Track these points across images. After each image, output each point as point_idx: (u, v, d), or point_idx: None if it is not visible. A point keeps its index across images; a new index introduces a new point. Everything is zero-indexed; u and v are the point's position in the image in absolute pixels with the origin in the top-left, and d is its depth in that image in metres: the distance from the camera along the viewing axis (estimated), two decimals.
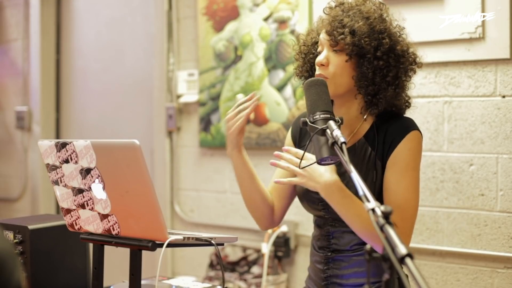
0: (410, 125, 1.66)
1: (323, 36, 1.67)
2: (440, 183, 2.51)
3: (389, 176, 1.62)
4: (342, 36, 1.61)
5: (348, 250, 1.70)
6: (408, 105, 1.74)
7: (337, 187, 1.56)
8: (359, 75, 1.63)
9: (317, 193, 1.71)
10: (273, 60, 2.99)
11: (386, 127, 1.66)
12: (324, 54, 1.65)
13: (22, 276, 0.97)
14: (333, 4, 1.72)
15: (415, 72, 1.71)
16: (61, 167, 1.54)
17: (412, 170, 1.64)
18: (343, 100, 1.68)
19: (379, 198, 1.62)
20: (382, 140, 1.65)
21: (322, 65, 1.65)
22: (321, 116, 1.43)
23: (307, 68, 1.75)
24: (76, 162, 1.50)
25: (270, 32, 2.99)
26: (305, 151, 1.67)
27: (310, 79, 1.56)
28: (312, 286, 1.79)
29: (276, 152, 1.64)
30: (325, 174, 1.56)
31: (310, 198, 1.74)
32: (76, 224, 1.59)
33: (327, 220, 1.72)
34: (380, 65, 1.62)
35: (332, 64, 1.64)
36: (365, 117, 1.69)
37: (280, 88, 2.96)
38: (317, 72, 1.66)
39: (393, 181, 1.62)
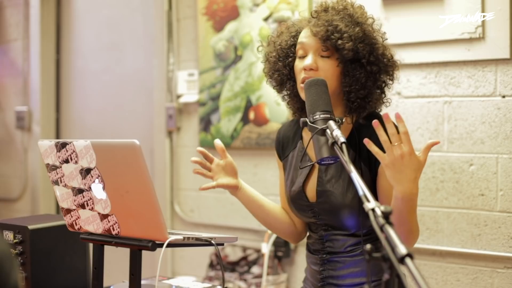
0: None
1: (311, 41, 1.65)
2: (440, 183, 2.51)
3: (385, 182, 1.62)
4: (340, 41, 1.60)
5: (343, 252, 1.70)
6: (382, 101, 1.73)
7: (411, 198, 1.50)
8: (349, 79, 1.62)
9: (307, 200, 1.71)
10: None
11: (370, 134, 1.61)
12: (312, 59, 1.64)
13: (19, 277, 0.97)
14: (319, 9, 1.70)
15: (394, 74, 1.71)
16: (61, 167, 1.54)
17: None
18: None
19: None
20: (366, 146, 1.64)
21: (312, 69, 1.64)
22: (321, 116, 1.43)
23: (286, 71, 1.73)
24: (76, 162, 1.50)
25: (270, 32, 2.99)
26: (305, 151, 1.66)
27: (310, 79, 1.55)
28: (309, 287, 1.79)
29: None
30: (409, 178, 1.46)
31: (300, 206, 1.74)
32: (76, 224, 1.59)
33: (319, 225, 1.73)
34: (374, 70, 1.62)
35: (321, 69, 1.63)
36: (344, 119, 1.68)
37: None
38: (304, 75, 1.64)
39: (390, 186, 1.62)
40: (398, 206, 1.49)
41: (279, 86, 1.78)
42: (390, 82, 1.70)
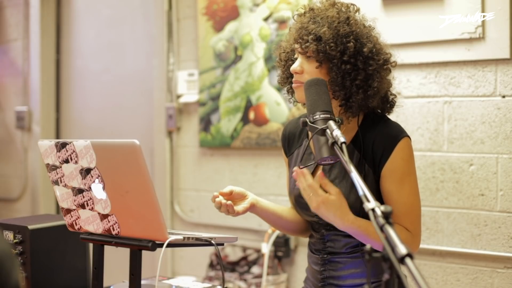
0: (398, 133, 1.65)
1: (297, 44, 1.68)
2: (440, 183, 2.51)
3: (388, 186, 1.63)
4: (307, 44, 1.62)
5: (344, 253, 1.70)
6: (392, 104, 1.73)
7: (355, 227, 1.54)
8: (330, 80, 1.63)
9: None
10: (273, 60, 2.98)
11: (374, 136, 1.65)
12: (298, 62, 1.66)
13: (20, 276, 0.97)
14: (302, 11, 1.72)
15: (390, 72, 1.69)
16: (61, 167, 1.54)
17: (409, 176, 1.65)
18: None
19: None
20: (370, 147, 1.64)
21: (297, 72, 1.66)
22: (321, 116, 1.43)
23: (287, 75, 1.75)
24: (76, 162, 1.50)
25: (270, 32, 2.99)
26: (304, 151, 1.66)
27: (310, 79, 1.56)
28: (310, 287, 1.79)
29: (298, 170, 1.54)
30: (339, 215, 1.52)
31: (303, 205, 1.74)
32: (76, 224, 1.59)
33: (321, 224, 1.73)
34: (348, 69, 1.60)
35: (306, 71, 1.65)
36: (347, 120, 1.68)
37: (280, 88, 2.96)
38: (294, 79, 1.67)
39: (394, 191, 1.63)
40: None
41: (286, 89, 1.80)
42: (379, 80, 1.63)
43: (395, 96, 1.75)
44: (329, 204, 1.50)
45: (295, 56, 1.70)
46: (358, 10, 1.70)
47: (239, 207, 1.72)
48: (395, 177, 1.63)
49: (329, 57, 1.60)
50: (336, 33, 1.61)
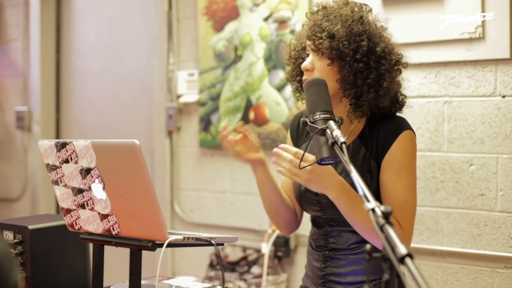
0: (402, 125, 1.66)
1: (309, 42, 1.67)
2: (440, 183, 2.51)
3: (385, 177, 1.63)
4: (320, 40, 1.62)
5: (346, 249, 1.70)
6: (401, 105, 1.73)
7: (344, 189, 1.55)
8: (342, 78, 1.63)
9: (315, 194, 1.71)
10: (273, 60, 2.99)
11: (378, 128, 1.66)
12: (309, 59, 1.66)
13: (19, 277, 0.97)
14: (315, 9, 1.72)
15: (400, 72, 1.69)
16: (61, 167, 1.54)
17: (407, 170, 1.64)
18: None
19: (376, 198, 1.62)
20: (375, 140, 1.65)
21: (308, 70, 1.66)
22: (321, 116, 1.43)
23: (297, 72, 1.75)
24: (76, 162, 1.50)
25: (270, 32, 2.99)
26: (305, 151, 1.66)
27: (310, 79, 1.56)
28: (309, 284, 1.79)
29: (275, 150, 1.56)
30: (330, 177, 1.53)
31: (308, 199, 1.74)
32: (76, 224, 1.59)
33: (325, 220, 1.73)
34: (360, 68, 1.61)
35: (316, 68, 1.65)
36: (357, 119, 1.68)
37: (280, 88, 2.96)
38: (304, 77, 1.67)
39: (390, 182, 1.62)
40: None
41: (294, 87, 1.80)
42: (390, 80, 1.64)
43: (405, 96, 1.74)
44: (316, 170, 1.50)
45: (307, 54, 1.70)
46: (370, 10, 1.70)
47: (250, 155, 1.69)
48: (393, 168, 1.62)
49: (341, 55, 1.61)
50: (350, 31, 1.61)
